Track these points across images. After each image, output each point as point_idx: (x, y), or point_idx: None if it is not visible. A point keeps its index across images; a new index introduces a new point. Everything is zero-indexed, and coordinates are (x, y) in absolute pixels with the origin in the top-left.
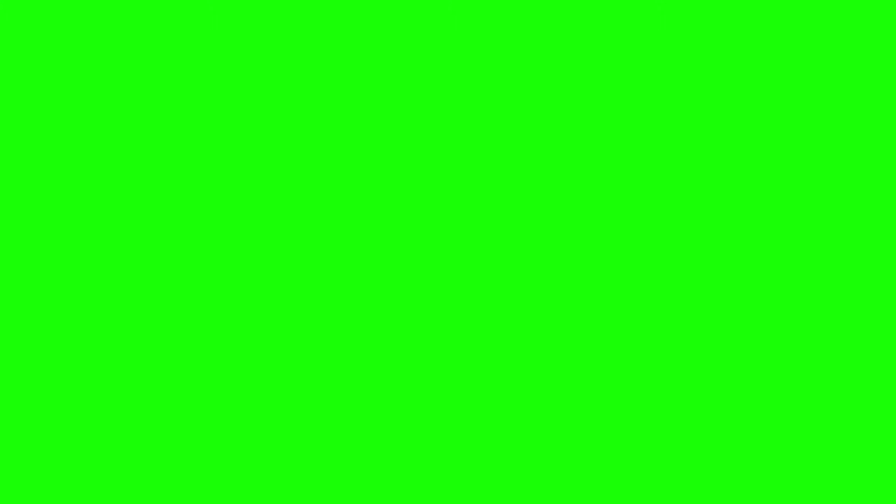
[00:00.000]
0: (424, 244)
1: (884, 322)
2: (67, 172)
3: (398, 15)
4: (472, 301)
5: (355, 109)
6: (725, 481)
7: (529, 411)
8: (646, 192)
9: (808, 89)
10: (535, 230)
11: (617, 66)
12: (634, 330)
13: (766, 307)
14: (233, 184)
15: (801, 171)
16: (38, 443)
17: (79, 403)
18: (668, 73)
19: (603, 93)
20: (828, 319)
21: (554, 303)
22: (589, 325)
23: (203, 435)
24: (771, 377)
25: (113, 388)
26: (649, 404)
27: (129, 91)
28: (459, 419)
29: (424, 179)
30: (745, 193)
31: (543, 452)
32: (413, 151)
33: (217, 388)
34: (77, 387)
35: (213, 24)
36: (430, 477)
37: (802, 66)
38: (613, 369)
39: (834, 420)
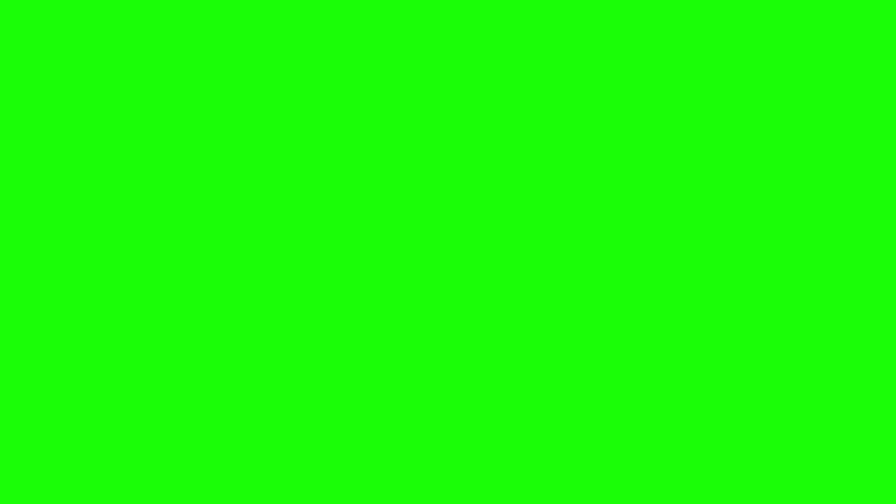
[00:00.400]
0: (424, 244)
1: (884, 322)
2: (67, 172)
3: (398, 15)
4: (472, 301)
5: (355, 110)
6: (725, 481)
7: (529, 411)
8: (646, 193)
9: (808, 89)
10: (535, 230)
11: (617, 66)
12: (634, 330)
13: (766, 307)
14: (233, 184)
15: (802, 171)
16: (38, 443)
17: (79, 403)
18: (669, 74)
19: (603, 93)
20: (828, 319)
21: (554, 303)
22: (589, 325)
23: (203, 435)
24: (771, 377)
25: (113, 388)
26: (649, 404)
27: (129, 91)
28: (459, 419)
29: (424, 180)
30: (745, 193)
31: (543, 452)
32: (413, 151)
33: (217, 388)
34: (77, 387)
35: (213, 24)
36: (430, 477)
37: (802, 67)
38: (613, 369)
39: (834, 420)
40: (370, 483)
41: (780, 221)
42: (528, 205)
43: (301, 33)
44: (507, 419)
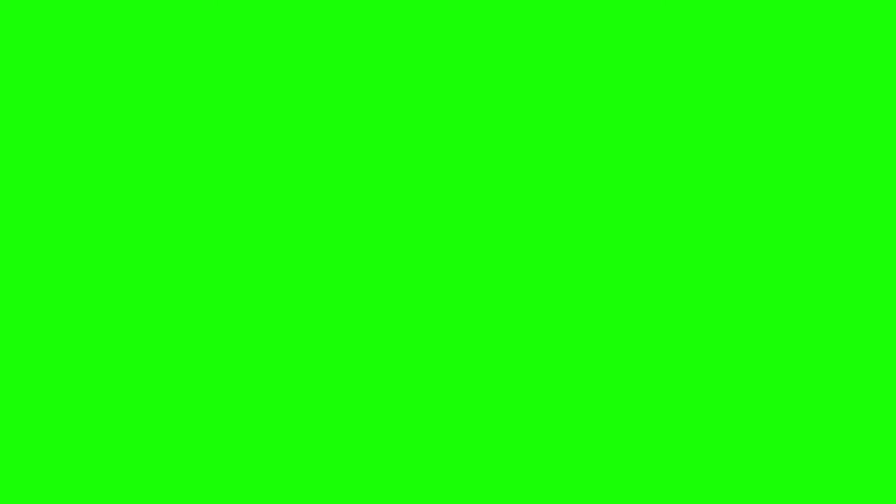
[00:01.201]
0: (424, 244)
1: (884, 322)
2: (67, 173)
3: (398, 15)
4: (473, 301)
5: (355, 110)
6: (725, 481)
7: (529, 411)
8: (646, 193)
9: (808, 89)
10: (535, 230)
11: (617, 66)
12: (634, 330)
13: (766, 307)
14: (233, 184)
15: (802, 171)
16: (38, 443)
17: (79, 403)
18: (669, 74)
19: (603, 93)
20: (828, 319)
21: (554, 303)
22: (589, 325)
23: (203, 435)
24: (771, 377)
25: (113, 389)
26: (649, 404)
27: (129, 91)
28: (459, 419)
29: (424, 180)
30: (745, 193)
31: (543, 452)
32: (413, 151)
33: (217, 389)
34: (77, 387)
35: (213, 24)
36: (430, 477)
37: (802, 67)
38: (613, 369)
39: (834, 420)
40: (370, 483)
41: (780, 221)
42: (527, 205)
43: (301, 33)
44: (506, 419)
